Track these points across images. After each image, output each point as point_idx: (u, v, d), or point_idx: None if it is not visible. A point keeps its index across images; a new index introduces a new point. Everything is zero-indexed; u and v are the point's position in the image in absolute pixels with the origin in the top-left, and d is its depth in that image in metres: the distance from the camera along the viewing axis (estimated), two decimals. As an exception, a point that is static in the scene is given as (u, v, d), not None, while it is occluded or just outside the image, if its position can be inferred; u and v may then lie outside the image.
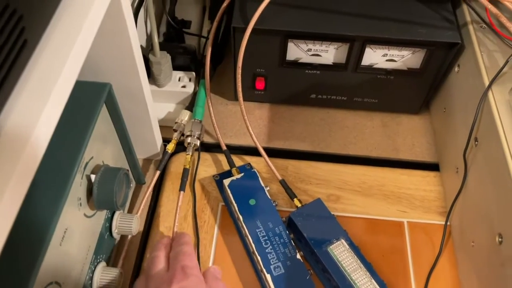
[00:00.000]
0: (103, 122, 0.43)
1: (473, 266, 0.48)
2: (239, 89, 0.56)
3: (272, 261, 0.48)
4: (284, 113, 0.64)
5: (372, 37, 0.53)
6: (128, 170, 0.51)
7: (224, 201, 0.56)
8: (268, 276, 0.47)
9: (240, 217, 0.51)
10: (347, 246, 0.49)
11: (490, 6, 0.51)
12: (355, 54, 0.56)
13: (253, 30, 0.52)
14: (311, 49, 0.56)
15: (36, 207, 0.33)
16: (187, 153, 0.56)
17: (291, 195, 0.54)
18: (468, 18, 0.54)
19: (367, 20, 0.54)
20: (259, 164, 0.58)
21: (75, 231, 0.38)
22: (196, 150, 0.58)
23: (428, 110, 0.65)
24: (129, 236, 0.51)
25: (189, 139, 0.57)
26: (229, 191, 0.53)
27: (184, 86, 0.61)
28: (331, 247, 0.49)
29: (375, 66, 0.57)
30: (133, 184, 0.55)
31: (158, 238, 0.52)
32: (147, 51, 0.57)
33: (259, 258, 0.48)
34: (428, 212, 0.56)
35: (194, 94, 0.61)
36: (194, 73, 0.62)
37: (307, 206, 0.52)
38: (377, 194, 0.57)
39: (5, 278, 0.30)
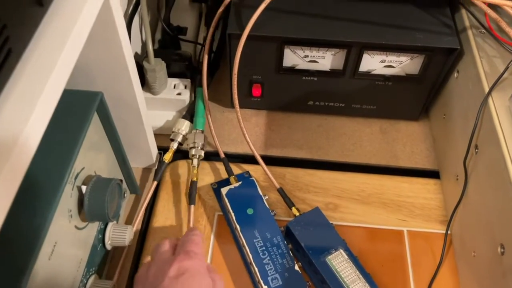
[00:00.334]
0: (95, 131, 0.42)
1: (475, 276, 0.47)
2: (235, 96, 0.56)
3: (270, 272, 0.47)
4: (282, 120, 0.64)
5: (369, 43, 0.53)
6: (121, 180, 0.50)
7: (222, 209, 0.55)
8: (265, 288, 0.46)
9: (238, 226, 0.50)
10: (346, 256, 0.48)
11: (490, 11, 0.50)
12: (353, 60, 0.55)
13: (249, 36, 0.51)
14: (308, 56, 0.55)
15: (23, 220, 0.32)
16: (193, 165, 0.56)
17: (289, 204, 0.53)
18: (467, 23, 0.54)
19: (365, 26, 0.53)
20: (256, 172, 0.57)
21: (65, 245, 0.37)
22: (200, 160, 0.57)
23: (428, 116, 0.64)
24: (125, 248, 0.50)
25: (193, 151, 0.56)
26: (226, 200, 0.52)
27: (179, 94, 0.60)
28: (329, 257, 0.48)
29: (373, 72, 0.56)
30: (127, 194, 0.54)
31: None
32: (141, 58, 0.57)
33: (256, 269, 0.47)
34: (429, 220, 0.55)
35: (190, 101, 0.60)
36: (189, 80, 0.61)
37: (305, 215, 0.51)
38: (376, 202, 0.56)
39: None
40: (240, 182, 0.54)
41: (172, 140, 0.57)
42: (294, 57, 0.55)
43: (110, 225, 0.46)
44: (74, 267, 0.40)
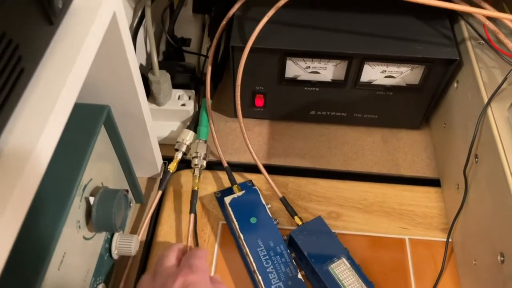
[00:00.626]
0: (102, 143, 0.43)
1: (476, 284, 0.47)
2: (239, 107, 0.57)
3: (273, 281, 0.48)
4: (284, 129, 0.65)
5: (370, 54, 0.54)
6: (127, 190, 0.51)
7: (225, 218, 0.56)
8: (269, 296, 0.47)
9: (241, 235, 0.51)
10: (348, 265, 0.48)
11: (488, 23, 0.51)
12: (354, 71, 0.56)
13: (252, 49, 0.52)
14: (309, 67, 0.56)
15: (34, 232, 0.33)
16: (195, 174, 0.56)
17: (292, 212, 0.54)
18: (466, 35, 0.55)
19: (365, 38, 0.54)
20: (259, 181, 0.58)
21: (74, 255, 0.38)
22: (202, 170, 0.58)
23: (429, 125, 0.65)
24: (131, 257, 0.51)
25: (196, 161, 0.57)
26: (230, 209, 0.53)
27: (183, 104, 0.61)
28: (332, 266, 0.48)
29: (374, 82, 0.57)
30: (132, 204, 0.54)
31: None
32: (146, 70, 0.58)
33: (260, 277, 0.48)
34: (430, 229, 0.55)
35: (195, 113, 0.61)
36: (193, 91, 0.62)
37: (308, 224, 0.52)
38: (378, 211, 0.57)
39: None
40: (243, 191, 0.55)
41: (177, 150, 0.58)
42: (296, 68, 0.56)
43: (116, 235, 0.47)
44: (82, 276, 0.41)
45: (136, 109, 0.47)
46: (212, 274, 0.52)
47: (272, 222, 0.52)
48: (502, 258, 0.41)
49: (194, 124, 0.60)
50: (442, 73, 0.55)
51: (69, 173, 0.37)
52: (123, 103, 0.45)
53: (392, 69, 0.55)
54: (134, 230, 0.55)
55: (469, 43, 0.54)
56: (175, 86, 0.61)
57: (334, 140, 0.64)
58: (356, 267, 0.48)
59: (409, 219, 0.56)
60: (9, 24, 0.25)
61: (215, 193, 0.58)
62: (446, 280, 0.51)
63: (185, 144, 0.58)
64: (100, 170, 0.43)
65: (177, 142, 0.58)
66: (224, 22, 0.57)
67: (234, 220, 0.52)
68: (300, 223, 0.53)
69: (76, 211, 0.38)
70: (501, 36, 0.49)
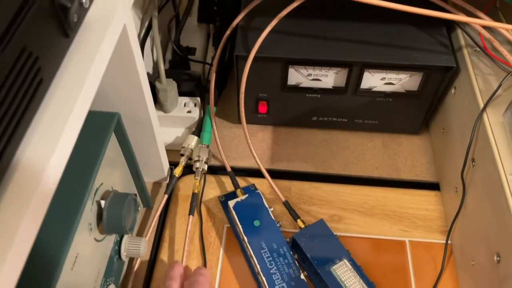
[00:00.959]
0: (112, 149, 0.45)
1: (474, 285, 0.49)
2: (242, 113, 0.58)
3: (277, 282, 0.49)
4: (287, 135, 0.66)
5: (370, 62, 0.55)
6: (136, 194, 0.53)
7: (229, 222, 0.57)
8: (273, 297, 0.48)
9: (245, 238, 0.52)
10: (350, 266, 0.50)
11: (484, 31, 0.53)
12: (354, 78, 0.57)
13: (255, 58, 0.54)
14: (311, 74, 0.58)
15: (49, 234, 0.34)
16: (196, 177, 0.58)
17: (295, 216, 0.55)
18: (463, 42, 0.56)
19: (365, 46, 0.56)
20: (262, 185, 0.60)
21: (86, 255, 0.40)
22: (203, 173, 0.60)
23: (428, 130, 0.67)
24: (138, 259, 0.52)
25: (197, 164, 0.58)
26: (234, 213, 0.54)
27: (189, 111, 0.62)
28: (334, 267, 0.50)
29: (374, 89, 0.59)
30: (140, 208, 0.56)
31: (166, 260, 0.54)
32: (153, 78, 0.60)
33: (264, 278, 0.49)
34: (430, 231, 0.57)
35: (200, 119, 0.63)
36: (199, 98, 0.64)
37: (310, 227, 0.54)
38: (379, 214, 0.58)
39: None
40: (247, 195, 0.56)
41: (182, 155, 0.60)
42: (298, 76, 0.58)
43: (125, 237, 0.49)
44: (93, 277, 0.42)
45: (145, 116, 0.49)
46: (218, 277, 0.53)
47: (275, 225, 0.53)
48: (498, 258, 0.43)
49: (199, 130, 0.62)
50: (440, 79, 0.57)
51: (82, 178, 0.38)
52: (132, 110, 0.47)
53: (392, 76, 0.57)
54: (140, 233, 0.56)
55: (465, 51, 0.55)
56: (181, 93, 0.63)
57: (335, 145, 0.65)
58: (358, 268, 0.50)
59: (409, 222, 0.57)
60: (30, 38, 0.27)
61: (219, 197, 0.59)
62: (445, 281, 0.53)
63: (191, 149, 0.60)
64: (110, 174, 0.45)
65: (183, 147, 0.60)
66: (228, 31, 0.58)
67: (238, 223, 0.53)
68: (302, 226, 0.54)
69: (88, 214, 0.40)
70: (496, 44, 0.51)
